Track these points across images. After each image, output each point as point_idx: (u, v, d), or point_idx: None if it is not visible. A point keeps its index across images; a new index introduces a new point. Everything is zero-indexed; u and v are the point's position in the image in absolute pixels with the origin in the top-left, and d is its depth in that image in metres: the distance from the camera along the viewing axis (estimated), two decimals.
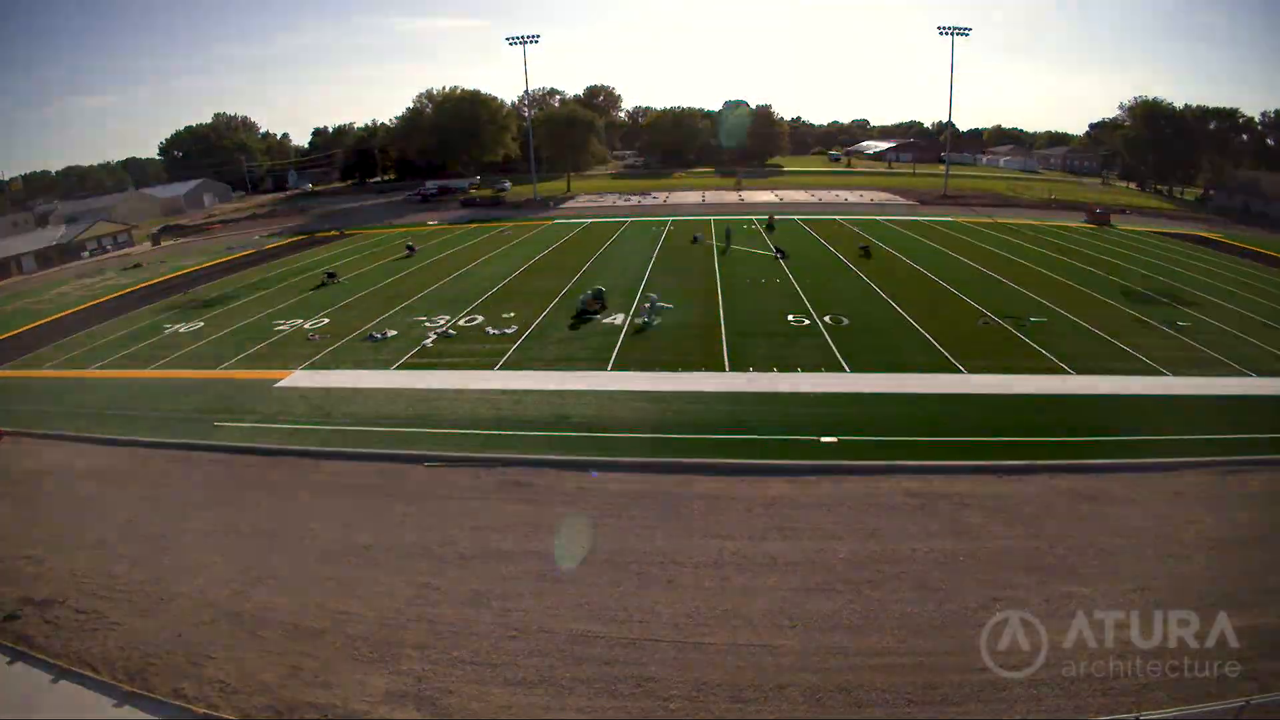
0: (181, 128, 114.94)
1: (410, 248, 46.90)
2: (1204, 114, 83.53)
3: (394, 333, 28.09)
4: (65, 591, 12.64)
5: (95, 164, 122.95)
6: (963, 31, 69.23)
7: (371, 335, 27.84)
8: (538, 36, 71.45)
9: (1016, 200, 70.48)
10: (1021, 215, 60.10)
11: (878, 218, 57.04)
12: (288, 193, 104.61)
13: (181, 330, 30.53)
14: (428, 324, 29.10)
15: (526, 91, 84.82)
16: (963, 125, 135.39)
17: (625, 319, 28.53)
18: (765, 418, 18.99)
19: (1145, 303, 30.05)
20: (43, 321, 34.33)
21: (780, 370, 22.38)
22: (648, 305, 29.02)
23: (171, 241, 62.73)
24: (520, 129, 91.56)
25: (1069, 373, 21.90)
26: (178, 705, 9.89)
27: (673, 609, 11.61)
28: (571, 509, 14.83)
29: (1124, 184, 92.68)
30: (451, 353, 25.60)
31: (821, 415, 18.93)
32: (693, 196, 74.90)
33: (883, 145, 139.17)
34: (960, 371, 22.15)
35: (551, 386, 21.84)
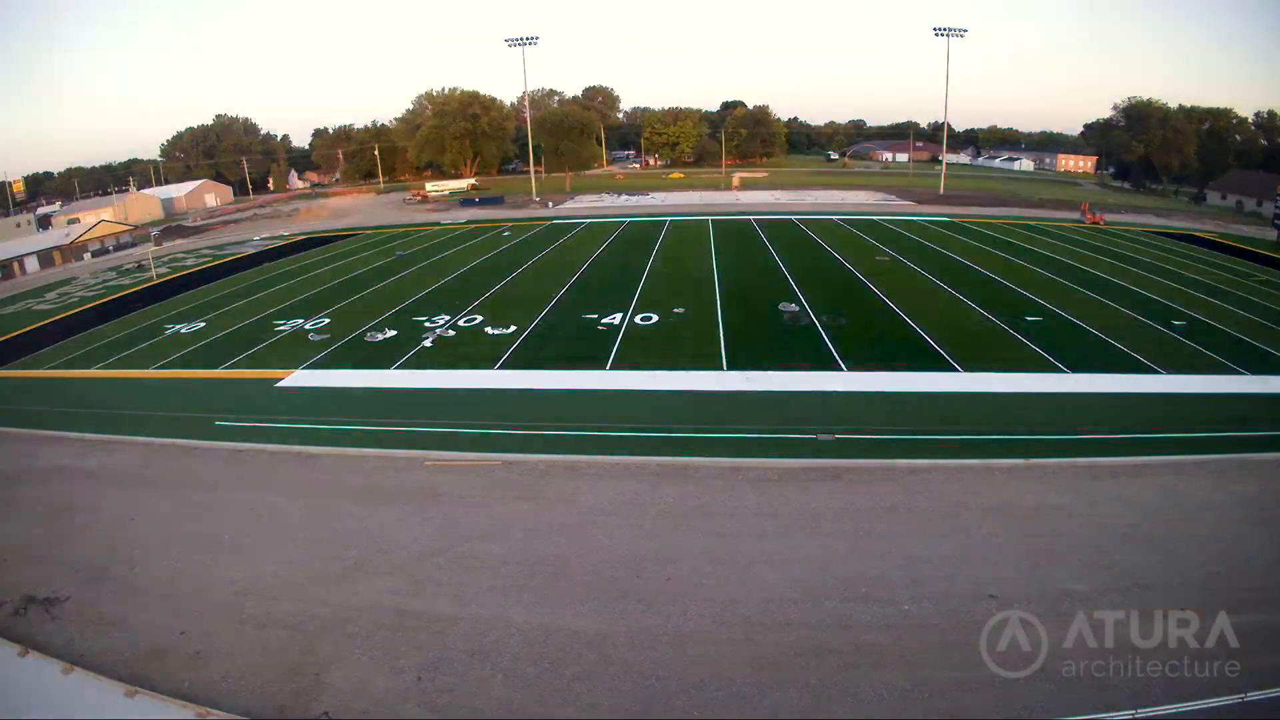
0: (183, 129, 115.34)
1: (400, 255, 46.63)
2: (1197, 114, 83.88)
3: (394, 333, 28.22)
4: (69, 589, 12.73)
5: (97, 165, 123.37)
6: (958, 33, 69.77)
7: (372, 335, 27.96)
8: (536, 38, 71.99)
9: (1012, 199, 70.75)
10: (1021, 214, 60.17)
11: (875, 217, 57.13)
12: (289, 193, 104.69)
13: (183, 331, 30.64)
14: (428, 324, 29.22)
15: (525, 93, 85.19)
16: (959, 126, 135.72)
17: (624, 319, 28.67)
18: (764, 414, 19.07)
19: (1139, 303, 30.11)
20: (45, 322, 34.40)
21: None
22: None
23: (173, 242, 62.75)
24: (519, 130, 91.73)
25: (1064, 370, 22.00)
26: (180, 702, 9.96)
27: None
28: (572, 509, 14.91)
29: (1118, 183, 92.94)
30: (452, 353, 25.71)
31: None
32: (690, 197, 74.97)
33: (880, 145, 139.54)
34: (955, 370, 22.28)
35: (551, 386, 21.95)
